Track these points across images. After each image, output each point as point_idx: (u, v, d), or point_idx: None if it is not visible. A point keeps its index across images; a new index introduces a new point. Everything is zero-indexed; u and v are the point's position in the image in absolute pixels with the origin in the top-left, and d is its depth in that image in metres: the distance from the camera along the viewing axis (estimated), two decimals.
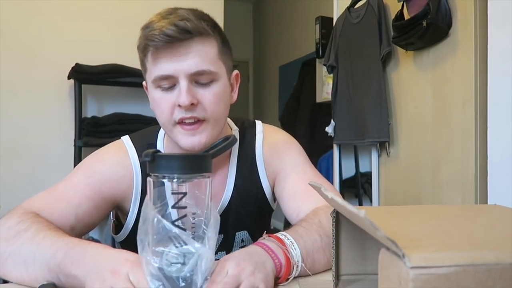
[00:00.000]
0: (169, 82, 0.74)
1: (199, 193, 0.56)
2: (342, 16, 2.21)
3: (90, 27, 2.68)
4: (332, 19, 2.43)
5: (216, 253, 0.88)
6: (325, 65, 2.32)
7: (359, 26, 2.07)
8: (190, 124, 0.75)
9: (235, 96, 0.85)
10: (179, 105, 0.73)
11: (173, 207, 0.54)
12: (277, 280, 0.65)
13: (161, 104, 0.75)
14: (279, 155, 0.91)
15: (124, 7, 2.77)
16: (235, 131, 0.92)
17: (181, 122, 0.74)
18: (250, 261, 0.60)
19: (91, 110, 2.61)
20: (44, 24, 2.58)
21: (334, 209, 0.57)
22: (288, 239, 0.68)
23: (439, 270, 0.32)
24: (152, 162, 0.53)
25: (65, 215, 0.74)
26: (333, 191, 0.90)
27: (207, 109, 0.75)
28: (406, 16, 1.76)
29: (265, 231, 0.72)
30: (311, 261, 0.70)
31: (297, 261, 0.67)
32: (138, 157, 0.83)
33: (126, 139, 0.87)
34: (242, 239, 0.92)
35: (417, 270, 0.32)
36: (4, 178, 2.46)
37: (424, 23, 1.60)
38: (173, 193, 0.54)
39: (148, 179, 0.54)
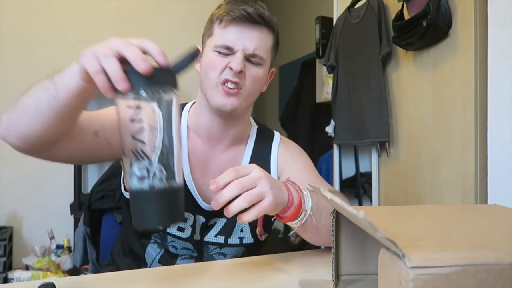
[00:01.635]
0: (227, 51, 0.85)
1: (163, 108, 0.56)
2: (342, 16, 2.21)
3: (91, 27, 2.68)
4: (332, 19, 2.43)
5: (215, 236, 0.91)
6: (325, 65, 2.32)
7: (359, 26, 2.07)
8: (230, 88, 0.85)
9: (265, 87, 0.96)
10: (230, 68, 0.83)
11: (131, 121, 0.54)
12: (283, 219, 0.71)
13: (215, 63, 0.85)
14: (290, 154, 1.00)
15: (125, 7, 2.77)
16: (254, 127, 1.02)
17: (224, 83, 0.85)
18: (272, 178, 0.67)
19: (91, 110, 2.61)
20: (45, 24, 2.58)
21: (334, 209, 0.57)
22: (305, 190, 0.75)
23: (439, 270, 0.32)
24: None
25: (93, 118, 0.82)
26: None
27: (246, 81, 0.86)
28: (406, 16, 1.76)
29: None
30: (318, 217, 0.74)
31: (307, 209, 0.72)
32: None
33: None
34: (242, 228, 0.94)
35: (417, 270, 0.32)
36: (4, 178, 2.46)
37: (424, 23, 1.59)
38: (129, 107, 0.54)
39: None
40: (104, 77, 0.54)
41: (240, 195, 0.63)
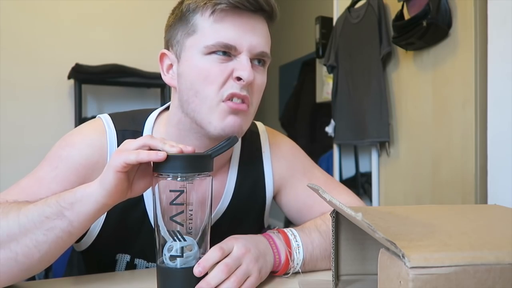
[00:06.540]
0: (228, 52, 0.65)
1: (200, 191, 0.58)
2: (342, 16, 2.21)
3: (90, 27, 2.68)
4: (332, 19, 2.43)
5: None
6: (325, 65, 2.32)
7: (359, 26, 2.07)
8: (238, 103, 0.66)
9: None
10: (237, 78, 0.64)
11: (171, 203, 0.56)
12: (272, 274, 0.67)
13: (213, 72, 0.64)
14: (286, 160, 0.84)
15: (125, 7, 2.77)
16: None
17: (229, 98, 0.65)
18: (256, 248, 0.62)
19: (91, 110, 2.62)
20: (44, 24, 2.58)
21: (334, 209, 0.57)
22: (296, 241, 0.68)
23: (439, 270, 0.32)
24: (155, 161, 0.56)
25: None
26: (344, 190, 0.86)
27: (254, 94, 0.68)
28: (406, 16, 1.76)
29: (276, 227, 0.73)
30: (312, 266, 0.71)
31: (296, 264, 0.68)
32: (118, 142, 0.71)
33: (106, 118, 0.74)
34: None
35: (417, 270, 0.32)
36: (4, 178, 2.46)
37: (424, 23, 1.60)
38: (170, 191, 0.56)
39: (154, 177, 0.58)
40: (148, 151, 0.54)
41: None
